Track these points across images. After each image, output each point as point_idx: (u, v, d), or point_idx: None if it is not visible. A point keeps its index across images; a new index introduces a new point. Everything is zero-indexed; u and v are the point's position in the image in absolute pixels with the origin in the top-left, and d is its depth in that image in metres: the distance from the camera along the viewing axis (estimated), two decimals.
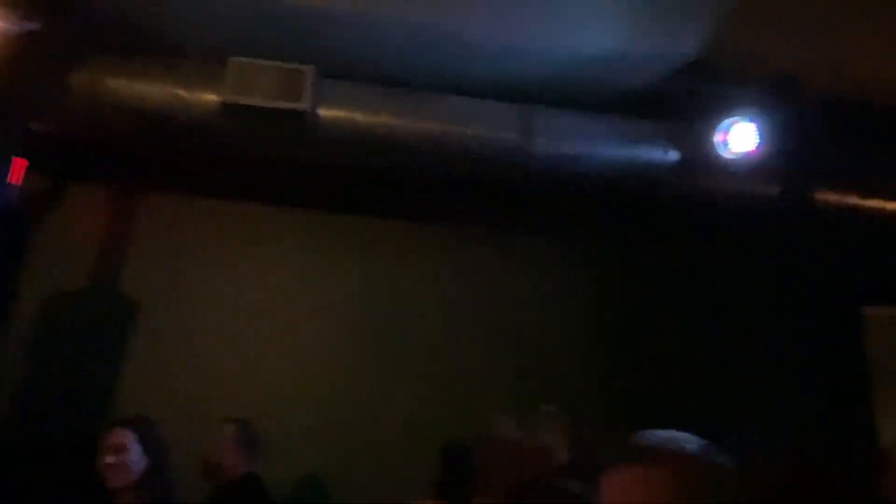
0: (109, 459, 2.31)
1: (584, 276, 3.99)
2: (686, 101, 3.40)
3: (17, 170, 3.59)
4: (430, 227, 4.06)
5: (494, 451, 2.77)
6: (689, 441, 1.19)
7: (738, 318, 3.75)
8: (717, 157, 3.38)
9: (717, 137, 3.35)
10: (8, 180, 3.52)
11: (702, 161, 3.42)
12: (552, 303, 3.97)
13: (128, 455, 2.32)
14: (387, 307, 3.94)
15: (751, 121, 3.30)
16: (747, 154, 3.35)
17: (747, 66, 3.28)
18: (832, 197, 3.34)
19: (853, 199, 3.31)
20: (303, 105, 3.26)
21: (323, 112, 3.33)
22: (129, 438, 2.34)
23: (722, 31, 3.08)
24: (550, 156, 3.40)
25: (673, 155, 3.45)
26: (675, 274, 3.92)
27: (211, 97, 3.26)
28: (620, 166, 3.45)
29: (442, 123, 3.37)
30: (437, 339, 3.88)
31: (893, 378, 3.71)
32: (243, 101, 3.23)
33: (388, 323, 3.91)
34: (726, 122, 3.33)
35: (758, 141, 3.31)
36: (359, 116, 3.34)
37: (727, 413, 3.17)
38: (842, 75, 3.22)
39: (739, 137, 3.34)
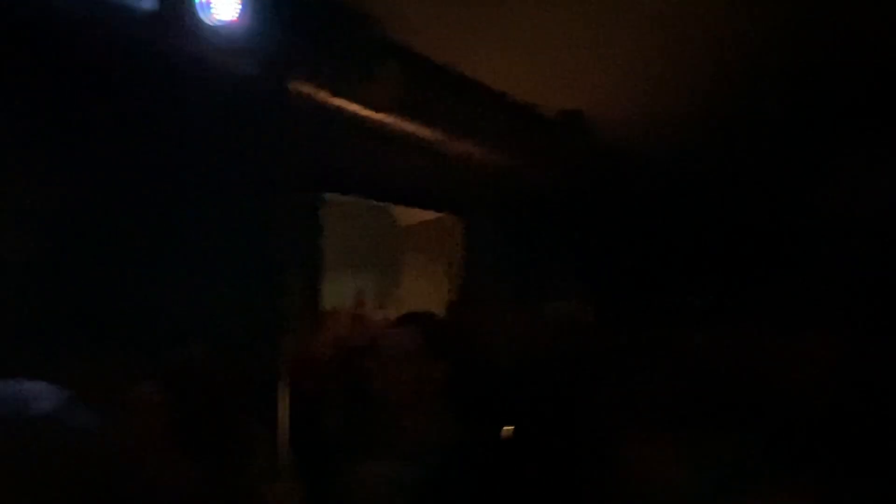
0: None
1: None
2: None
3: None
4: None
5: None
6: None
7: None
8: (198, 19, 3.08)
9: None
10: None
11: (181, 20, 3.06)
12: None
13: None
14: None
15: None
16: (229, 23, 3.13)
17: None
18: (306, 89, 3.36)
19: (323, 95, 3.38)
20: None
21: None
22: None
23: None
24: None
25: (149, 3, 3.02)
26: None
27: None
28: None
29: None
30: None
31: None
32: None
33: None
34: None
35: (240, 11, 3.12)
36: None
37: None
38: None
39: (222, 2, 3.09)
